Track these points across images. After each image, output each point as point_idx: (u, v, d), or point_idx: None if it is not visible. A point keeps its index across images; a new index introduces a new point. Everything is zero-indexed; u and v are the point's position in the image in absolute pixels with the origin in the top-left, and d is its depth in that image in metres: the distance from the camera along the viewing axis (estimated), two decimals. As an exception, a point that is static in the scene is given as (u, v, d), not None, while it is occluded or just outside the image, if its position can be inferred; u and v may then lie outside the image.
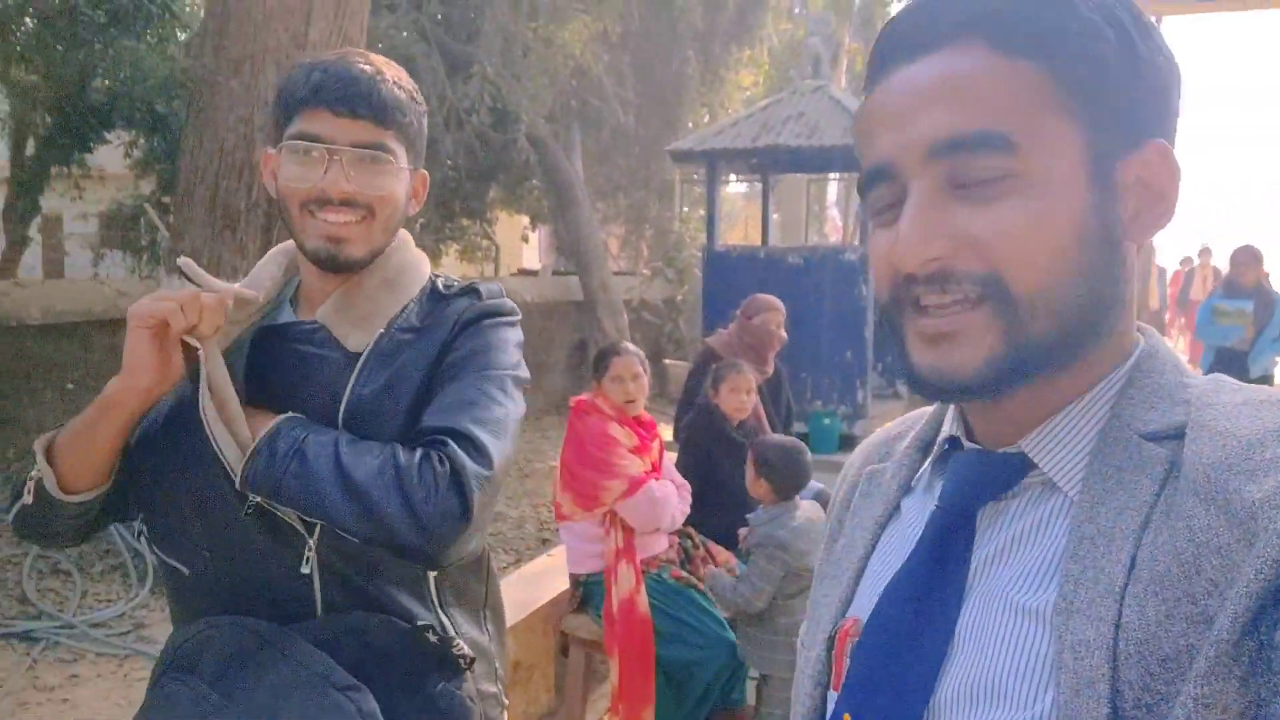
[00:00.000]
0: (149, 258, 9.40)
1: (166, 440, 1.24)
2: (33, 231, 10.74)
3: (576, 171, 10.63)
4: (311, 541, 1.20)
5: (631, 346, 3.14)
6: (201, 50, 4.89)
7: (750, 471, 2.91)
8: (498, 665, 1.38)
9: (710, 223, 8.34)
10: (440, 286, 1.35)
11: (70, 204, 10.37)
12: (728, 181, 12.35)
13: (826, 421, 7.25)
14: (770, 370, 3.88)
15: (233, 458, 1.14)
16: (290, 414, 1.20)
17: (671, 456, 3.65)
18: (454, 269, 14.27)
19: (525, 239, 16.21)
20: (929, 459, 0.79)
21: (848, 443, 7.38)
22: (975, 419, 0.74)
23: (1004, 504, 0.69)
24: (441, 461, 1.16)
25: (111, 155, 9.70)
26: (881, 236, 0.70)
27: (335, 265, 1.25)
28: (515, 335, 1.35)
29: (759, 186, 10.78)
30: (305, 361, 1.26)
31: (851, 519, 0.83)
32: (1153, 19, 0.69)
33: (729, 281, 7.72)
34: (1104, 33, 0.64)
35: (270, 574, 1.21)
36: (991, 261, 0.64)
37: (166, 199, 8.16)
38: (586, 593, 3.03)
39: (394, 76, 1.26)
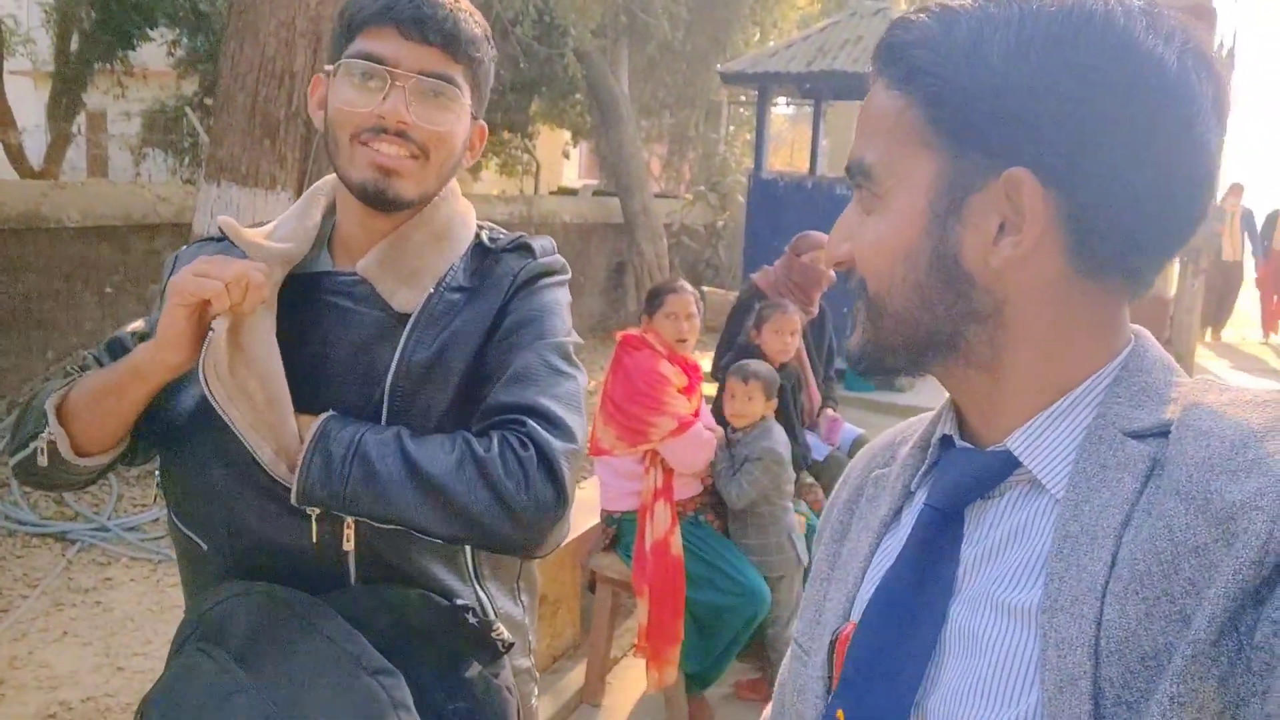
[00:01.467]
0: (190, 160, 9.37)
1: (184, 412, 1.15)
2: (77, 128, 10.74)
3: (622, 88, 10.38)
4: (350, 519, 1.10)
5: (688, 285, 3.07)
6: (244, -50, 4.74)
7: (758, 395, 2.98)
8: (530, 639, 1.33)
9: (759, 149, 8.14)
10: (485, 239, 1.25)
11: (114, 102, 10.34)
12: (775, 103, 12.01)
13: (865, 359, 7.14)
14: (815, 311, 3.77)
15: (268, 460, 1.06)
16: (331, 413, 1.10)
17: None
18: (493, 184, 14.13)
19: (566, 155, 16.00)
20: (927, 460, 0.81)
21: (884, 381, 7.28)
22: (967, 415, 0.76)
23: (991, 502, 0.71)
24: (524, 445, 1.07)
25: (155, 53, 9.62)
26: None
27: (383, 202, 1.12)
28: (567, 296, 1.26)
29: (806, 110, 10.49)
30: (344, 317, 1.16)
31: (858, 522, 0.85)
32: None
33: (774, 210, 7.57)
34: (976, 62, 0.66)
35: (298, 549, 1.13)
36: (860, 265, 0.74)
37: (209, 100, 8.08)
38: (619, 531, 3.00)
39: (470, 11, 1.15)
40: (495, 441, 1.07)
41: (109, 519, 4.19)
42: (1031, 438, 0.69)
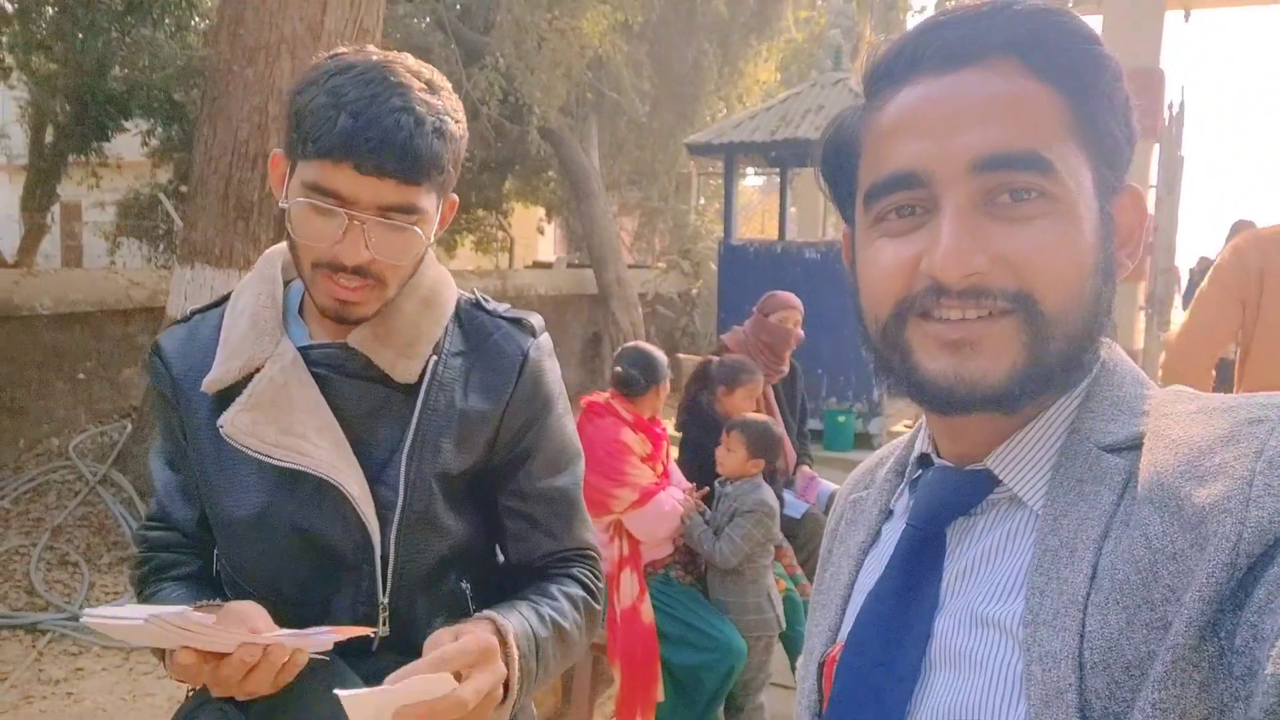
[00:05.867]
0: (165, 246, 9.43)
1: (247, 503, 1.15)
2: (51, 219, 10.79)
3: (593, 164, 10.58)
4: (384, 602, 1.13)
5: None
6: (217, 39, 4.85)
7: (740, 450, 2.93)
8: (534, 709, 1.35)
9: (727, 216, 8.27)
10: (479, 299, 1.26)
11: (88, 192, 10.42)
12: (744, 174, 12.25)
13: (841, 419, 7.17)
14: (786, 369, 3.80)
15: (357, 493, 1.10)
16: (512, 630, 1.05)
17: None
18: (469, 260, 14.25)
19: (541, 231, 16.20)
20: (904, 480, 0.81)
21: (862, 441, 7.30)
22: (942, 438, 0.75)
23: (972, 520, 0.71)
24: (599, 578, 1.26)
25: (129, 144, 9.73)
26: (890, 246, 0.70)
27: (344, 322, 1.13)
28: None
29: (775, 179, 10.70)
30: (338, 391, 1.14)
31: (839, 547, 0.85)
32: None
33: (745, 275, 7.66)
34: (1113, 71, 0.66)
35: (341, 610, 1.15)
36: (1024, 279, 0.65)
37: (184, 188, 8.17)
38: (593, 596, 2.98)
39: (434, 118, 1.05)
40: (583, 582, 1.24)
41: (80, 608, 4.12)
42: (1010, 456, 0.69)
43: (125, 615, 0.91)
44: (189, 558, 1.22)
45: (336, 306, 1.10)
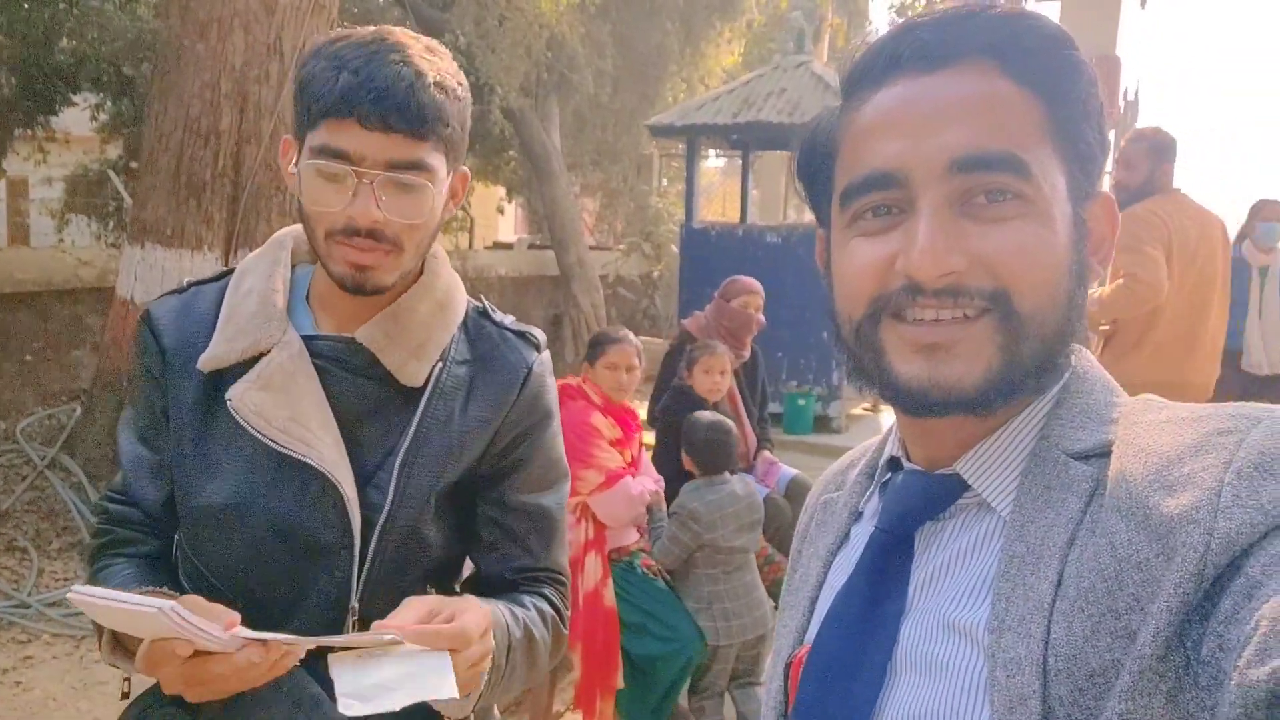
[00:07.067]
0: (114, 224, 9.21)
1: (222, 491, 1.11)
2: (-5, 195, 10.51)
3: (554, 144, 10.49)
4: (354, 605, 1.11)
5: (631, 335, 3.06)
6: (168, 12, 4.72)
7: (684, 452, 2.99)
8: (496, 712, 1.34)
9: (689, 199, 8.26)
10: (488, 308, 1.26)
11: (35, 168, 10.13)
12: (706, 156, 12.23)
13: (801, 402, 7.23)
14: (747, 354, 3.81)
15: (350, 496, 1.08)
16: (493, 627, 1.02)
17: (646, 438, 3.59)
18: (429, 240, 14.09)
19: (501, 210, 16.04)
20: (874, 483, 0.81)
21: (822, 424, 7.36)
22: (912, 441, 0.75)
23: (941, 524, 0.71)
24: (566, 602, 1.26)
25: (78, 118, 9.46)
26: (865, 246, 0.70)
27: (362, 293, 1.09)
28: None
29: (737, 161, 10.71)
30: (338, 386, 1.12)
31: (809, 548, 0.85)
32: None
33: (707, 258, 7.67)
34: (1089, 77, 0.67)
35: (308, 615, 1.12)
36: (1000, 279, 0.65)
37: (134, 164, 7.97)
38: (554, 582, 2.98)
39: (435, 74, 1.05)
40: (553, 603, 1.23)
41: (29, 595, 4.03)
42: (979, 461, 0.70)
43: (126, 601, 0.83)
44: (146, 537, 1.19)
45: (354, 274, 1.07)
